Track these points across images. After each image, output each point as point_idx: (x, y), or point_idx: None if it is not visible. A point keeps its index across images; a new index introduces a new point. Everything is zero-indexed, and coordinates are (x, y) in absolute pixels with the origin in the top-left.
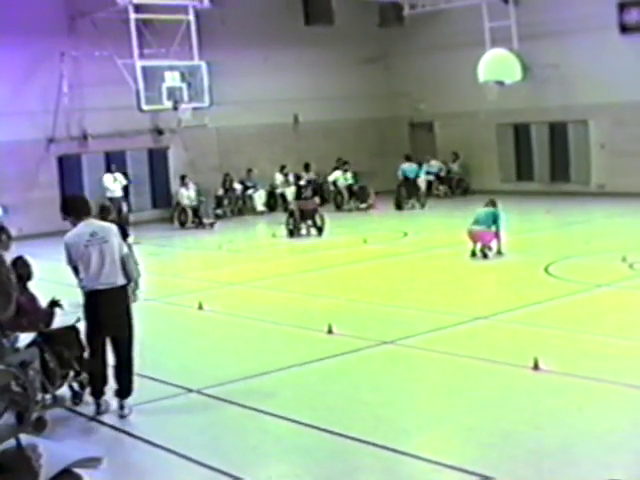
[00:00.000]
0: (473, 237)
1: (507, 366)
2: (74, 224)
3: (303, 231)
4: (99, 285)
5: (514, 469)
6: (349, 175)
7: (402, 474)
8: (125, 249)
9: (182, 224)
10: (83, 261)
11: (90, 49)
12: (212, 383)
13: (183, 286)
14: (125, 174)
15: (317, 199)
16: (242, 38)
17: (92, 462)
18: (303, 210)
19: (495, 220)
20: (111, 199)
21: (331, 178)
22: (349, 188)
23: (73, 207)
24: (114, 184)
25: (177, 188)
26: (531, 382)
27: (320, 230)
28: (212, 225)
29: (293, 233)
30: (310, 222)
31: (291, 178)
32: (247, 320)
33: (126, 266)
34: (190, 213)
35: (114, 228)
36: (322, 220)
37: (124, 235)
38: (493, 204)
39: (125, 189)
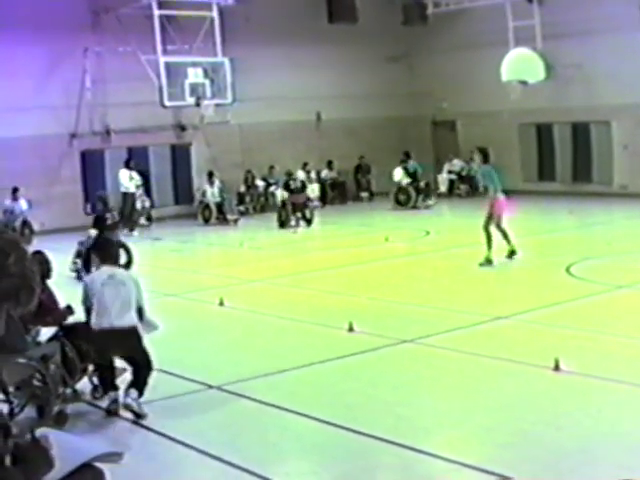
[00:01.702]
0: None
1: (527, 366)
2: (98, 267)
3: (292, 222)
4: (107, 324)
5: (533, 469)
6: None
7: (421, 473)
8: (144, 301)
9: (206, 220)
10: (97, 299)
11: (113, 45)
12: (232, 379)
13: (204, 282)
14: (141, 172)
15: (307, 193)
16: (265, 35)
17: (113, 457)
18: (294, 203)
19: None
20: (125, 194)
21: (397, 178)
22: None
23: (102, 250)
24: (130, 182)
25: (201, 184)
26: (551, 383)
27: (309, 222)
28: (236, 222)
29: (284, 224)
30: (300, 214)
31: (313, 175)
32: (268, 317)
33: (143, 316)
34: (214, 209)
35: (135, 278)
36: (311, 213)
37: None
38: (483, 154)
39: (146, 185)
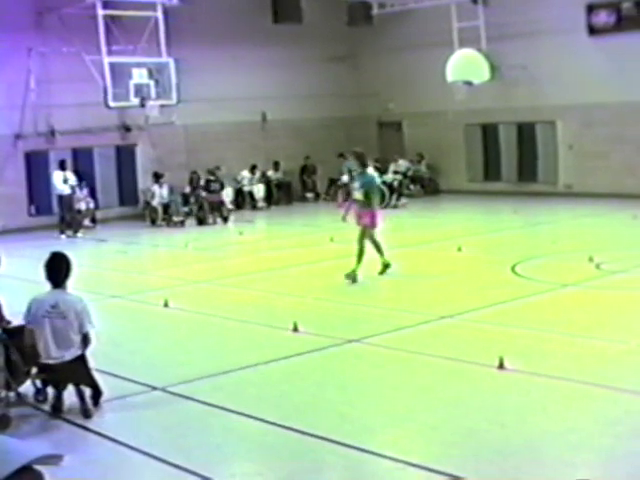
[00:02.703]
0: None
1: (472, 365)
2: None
3: (210, 220)
4: (48, 359)
5: (478, 467)
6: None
7: (366, 472)
8: (89, 326)
9: (153, 222)
10: (38, 328)
11: (58, 45)
12: (177, 381)
13: (149, 283)
14: (77, 173)
15: (223, 193)
16: (210, 35)
17: (53, 459)
18: (211, 202)
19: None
20: (60, 197)
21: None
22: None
23: (51, 270)
24: (64, 184)
25: (149, 185)
26: (496, 381)
27: (225, 219)
28: (182, 223)
29: (202, 222)
30: (217, 213)
31: (258, 175)
32: (213, 318)
33: (88, 343)
34: (160, 211)
35: (78, 305)
36: (228, 211)
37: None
38: (359, 159)
39: (91, 186)
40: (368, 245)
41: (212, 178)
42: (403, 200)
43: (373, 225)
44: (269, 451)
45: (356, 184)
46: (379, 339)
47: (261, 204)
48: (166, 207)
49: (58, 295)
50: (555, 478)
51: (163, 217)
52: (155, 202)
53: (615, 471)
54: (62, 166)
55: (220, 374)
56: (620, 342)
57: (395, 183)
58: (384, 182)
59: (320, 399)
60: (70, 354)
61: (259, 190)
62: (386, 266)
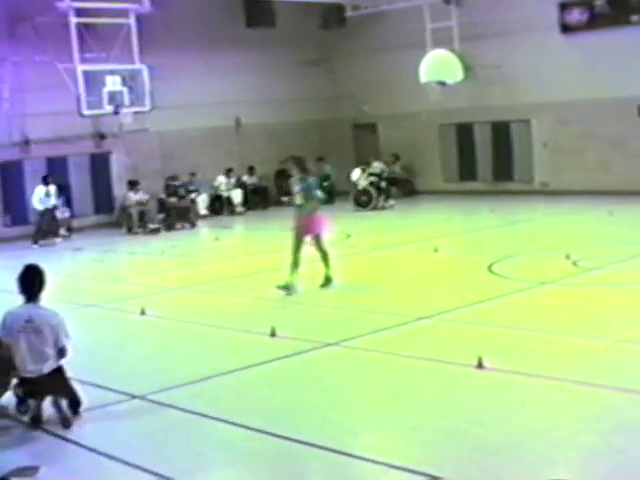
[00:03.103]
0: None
1: (451, 365)
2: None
3: (178, 226)
4: (25, 372)
5: (459, 467)
6: (397, 167)
7: (348, 475)
8: (66, 340)
9: (129, 229)
10: (13, 343)
11: (31, 54)
12: (156, 389)
13: (126, 291)
14: (60, 186)
15: (189, 199)
16: (183, 41)
17: (29, 471)
18: (178, 208)
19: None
20: (43, 211)
21: (354, 178)
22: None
23: (24, 283)
24: (45, 198)
25: (125, 193)
26: (475, 380)
27: (193, 224)
28: (158, 230)
29: (171, 227)
30: (184, 218)
31: (233, 180)
32: (190, 324)
33: (64, 356)
34: (136, 218)
35: (53, 320)
36: (196, 216)
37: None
38: (299, 164)
39: (66, 196)
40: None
41: (177, 184)
42: (391, 202)
43: (319, 232)
44: (250, 457)
45: (296, 188)
46: (357, 342)
47: (239, 209)
48: (142, 214)
49: (32, 309)
50: (536, 476)
51: (139, 224)
52: (130, 209)
53: (597, 468)
54: (45, 181)
55: (199, 381)
56: (598, 338)
57: (383, 184)
58: (371, 183)
59: (300, 403)
60: (47, 367)
61: (237, 195)
62: (328, 280)
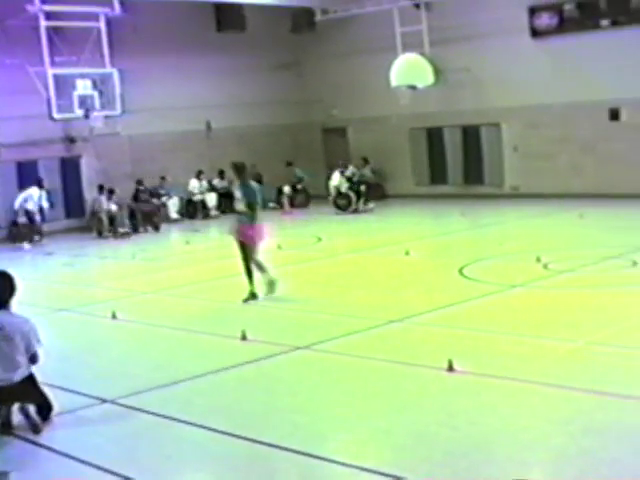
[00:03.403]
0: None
1: (421, 368)
2: None
3: (141, 229)
4: None
5: (430, 470)
6: (367, 171)
7: (319, 478)
8: (38, 346)
9: (100, 233)
10: None
11: (1, 57)
12: (126, 393)
13: (97, 296)
14: (47, 191)
15: (160, 202)
16: (154, 45)
17: None
18: (143, 211)
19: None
20: (28, 212)
21: (334, 183)
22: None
23: None
24: (37, 200)
25: (97, 197)
26: (446, 383)
27: (157, 228)
28: (128, 234)
29: (137, 229)
30: (148, 222)
31: (205, 184)
32: (161, 329)
33: (36, 362)
34: (106, 222)
35: (24, 326)
36: (159, 219)
37: None
38: (237, 170)
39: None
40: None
41: (141, 188)
42: (370, 205)
43: (253, 241)
44: (221, 460)
45: (237, 194)
46: (328, 345)
47: (214, 212)
48: (112, 219)
49: (2, 317)
50: (507, 478)
51: (109, 229)
52: (101, 213)
53: (567, 470)
54: (40, 184)
55: (170, 385)
56: (569, 341)
57: (362, 187)
58: (351, 186)
59: (271, 407)
60: (18, 375)
61: (211, 199)
62: (271, 284)
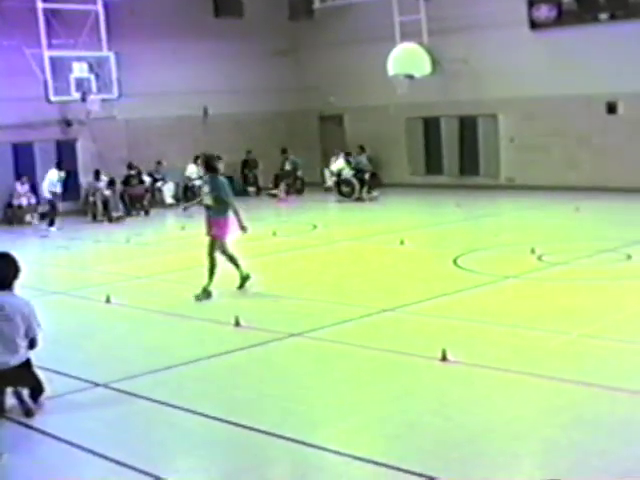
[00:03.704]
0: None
1: (415, 357)
2: None
3: (133, 213)
4: None
5: (422, 460)
6: (363, 159)
7: (311, 466)
8: (37, 330)
9: (94, 217)
10: None
11: None
12: (119, 377)
13: (91, 279)
14: (67, 172)
15: (164, 188)
16: (151, 29)
17: None
18: (131, 195)
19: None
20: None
21: (334, 168)
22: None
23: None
24: (57, 183)
25: (92, 182)
26: (439, 373)
27: (146, 212)
28: (123, 218)
29: (130, 213)
30: (139, 205)
31: (202, 170)
32: (155, 314)
33: (34, 347)
34: (101, 206)
35: (25, 308)
36: (148, 203)
37: None
38: (205, 163)
39: (32, 183)
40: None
41: (132, 173)
42: (374, 193)
43: (222, 236)
44: (213, 446)
45: (206, 189)
46: (321, 333)
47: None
48: (105, 203)
49: (4, 297)
50: (499, 468)
51: (103, 212)
52: (96, 197)
53: (559, 461)
54: (59, 166)
55: (162, 370)
56: (562, 333)
57: (366, 176)
58: (355, 174)
59: (263, 394)
60: (15, 360)
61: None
62: (245, 279)
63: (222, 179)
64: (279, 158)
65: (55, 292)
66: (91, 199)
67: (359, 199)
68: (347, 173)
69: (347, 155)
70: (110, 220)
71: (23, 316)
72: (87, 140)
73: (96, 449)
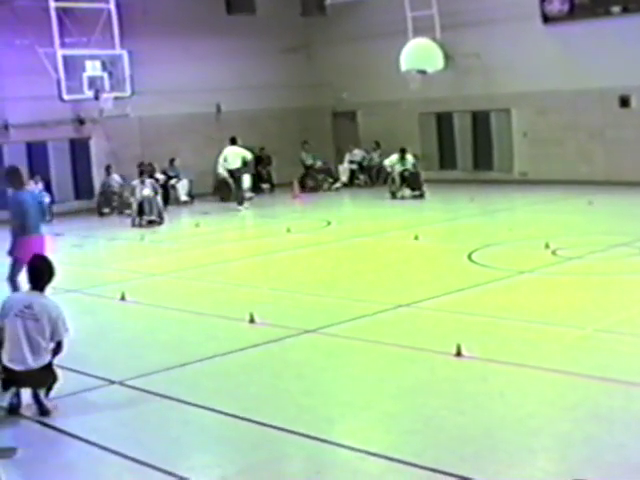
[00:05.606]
0: None
1: (430, 353)
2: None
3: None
4: (11, 363)
5: (437, 455)
6: (410, 159)
7: (326, 462)
8: (64, 334)
9: (101, 214)
10: (8, 328)
11: (10, 37)
12: (134, 374)
13: (106, 277)
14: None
15: (179, 185)
16: (164, 27)
17: (7, 452)
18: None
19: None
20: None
21: (387, 162)
22: (401, 174)
23: (33, 273)
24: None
25: (107, 179)
26: (453, 368)
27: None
28: (156, 223)
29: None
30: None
31: None
32: (169, 311)
33: (60, 350)
34: (136, 209)
35: (53, 311)
36: (177, 202)
37: None
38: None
39: (47, 182)
40: None
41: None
42: (417, 192)
43: (20, 258)
44: (228, 443)
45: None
46: (336, 329)
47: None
48: (141, 206)
49: (34, 297)
50: (514, 464)
51: (139, 216)
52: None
53: (574, 456)
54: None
55: (177, 367)
56: (576, 328)
57: (406, 173)
58: (404, 171)
59: (278, 390)
60: (37, 362)
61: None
62: None
63: (26, 195)
64: (291, 155)
65: (70, 290)
66: (132, 200)
67: (403, 198)
68: (398, 169)
69: (402, 152)
70: (141, 225)
71: (50, 318)
72: (100, 138)
73: (111, 446)
